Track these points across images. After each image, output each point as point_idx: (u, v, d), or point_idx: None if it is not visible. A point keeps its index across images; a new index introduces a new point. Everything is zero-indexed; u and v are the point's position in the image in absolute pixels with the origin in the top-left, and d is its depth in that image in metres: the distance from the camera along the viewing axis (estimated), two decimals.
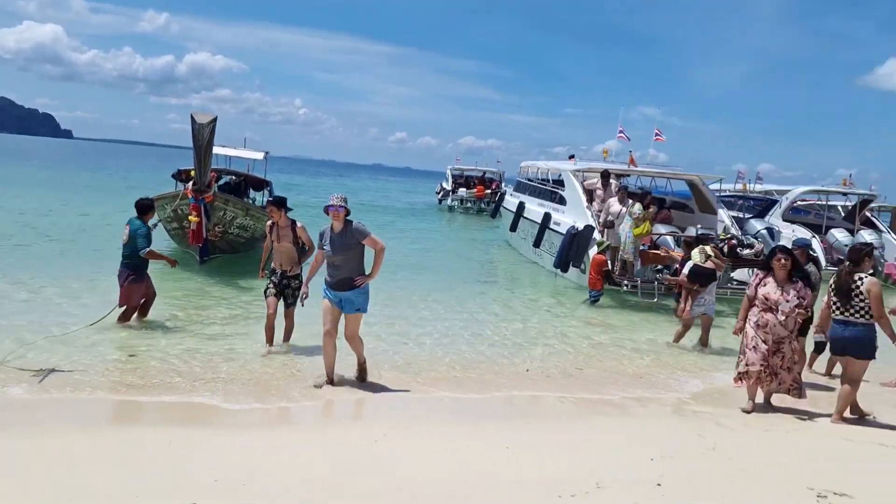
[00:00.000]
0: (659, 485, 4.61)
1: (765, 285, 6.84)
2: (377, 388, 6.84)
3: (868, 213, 21.95)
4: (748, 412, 6.77)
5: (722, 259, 10.96)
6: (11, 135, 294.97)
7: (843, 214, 24.07)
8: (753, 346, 6.82)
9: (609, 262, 13.37)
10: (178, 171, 15.94)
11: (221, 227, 12.92)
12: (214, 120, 11.30)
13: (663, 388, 7.82)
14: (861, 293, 6.40)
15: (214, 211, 12.51)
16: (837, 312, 6.54)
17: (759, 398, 7.06)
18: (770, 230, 19.62)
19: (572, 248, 14.23)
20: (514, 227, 19.86)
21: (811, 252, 8.01)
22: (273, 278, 7.86)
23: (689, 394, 7.62)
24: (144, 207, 8.50)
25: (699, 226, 15.71)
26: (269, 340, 7.83)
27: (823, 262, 19.66)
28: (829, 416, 6.70)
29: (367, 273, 6.66)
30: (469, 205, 38.11)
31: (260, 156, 17.97)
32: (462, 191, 38.95)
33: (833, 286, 6.63)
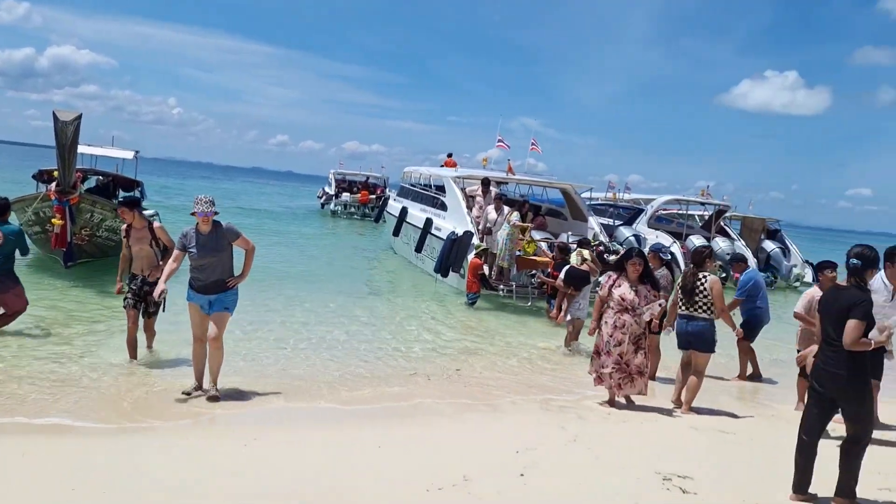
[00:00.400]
0: (522, 475, 4.88)
1: (619, 286, 7.13)
2: (250, 395, 6.71)
3: (721, 223, 23.89)
4: (609, 406, 7.20)
5: (597, 263, 11.57)
6: None
7: (700, 223, 26.06)
8: (608, 351, 7.07)
9: (487, 267, 13.84)
10: (40, 172, 15.02)
11: (89, 231, 12.26)
12: (79, 117, 10.72)
13: (534, 386, 8.15)
14: (704, 290, 7.04)
15: (80, 213, 11.86)
16: (683, 308, 7.16)
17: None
18: (637, 237, 20.95)
19: (452, 253, 14.54)
20: (397, 232, 20.02)
21: (662, 256, 8.65)
22: (132, 285, 7.41)
23: (557, 391, 8.02)
24: (1, 208, 7.97)
25: (570, 232, 16.53)
26: (132, 355, 7.38)
27: (682, 266, 21.31)
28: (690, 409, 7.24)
29: (236, 275, 6.52)
30: (353, 210, 37.86)
31: (129, 155, 17.13)
32: (346, 195, 38.68)
33: (679, 285, 7.27)
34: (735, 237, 23.10)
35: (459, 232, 14.80)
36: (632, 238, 20.59)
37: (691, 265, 7.41)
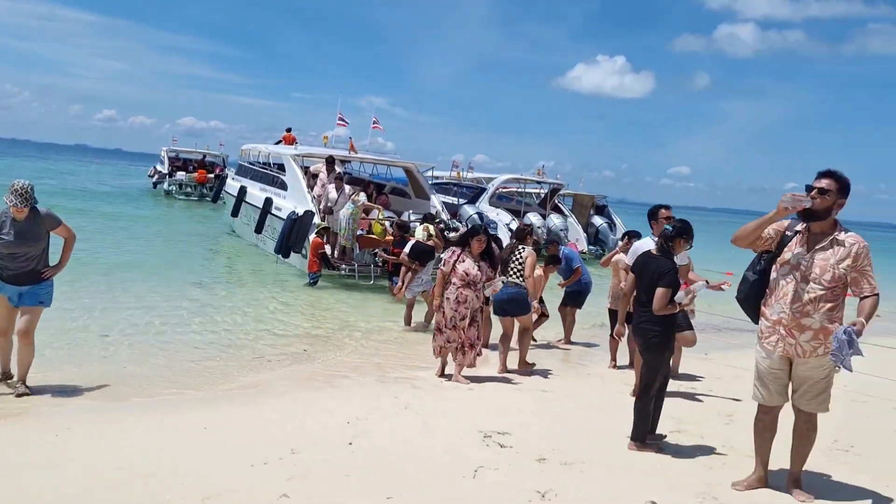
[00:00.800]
0: (350, 443, 5.01)
1: (463, 261, 7.37)
2: (69, 388, 6.26)
3: (556, 200, 25.37)
4: (440, 376, 7.49)
5: (441, 239, 11.90)
6: None
7: (537, 201, 27.50)
8: (453, 325, 7.27)
9: (329, 247, 13.81)
10: None
11: None
12: None
13: (373, 362, 8.26)
14: (521, 259, 7.74)
15: None
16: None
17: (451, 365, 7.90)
18: (480, 215, 21.73)
19: (293, 233, 14.35)
20: (235, 213, 19.40)
21: (491, 232, 9.24)
22: None
23: (395, 366, 8.21)
24: None
25: (411, 211, 16.85)
26: None
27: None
28: (516, 372, 7.76)
29: (52, 264, 6.03)
30: (189, 190, 35.65)
31: None
32: (180, 174, 36.22)
33: (499, 259, 7.83)
34: (568, 213, 24.62)
35: (300, 211, 14.62)
36: (475, 216, 21.33)
37: (513, 240, 8.12)
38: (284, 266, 14.84)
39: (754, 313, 4.44)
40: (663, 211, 6.81)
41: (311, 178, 16.35)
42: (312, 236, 13.59)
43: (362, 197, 14.08)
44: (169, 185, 36.09)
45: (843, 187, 4.09)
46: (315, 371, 7.72)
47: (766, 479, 4.49)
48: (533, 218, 23.55)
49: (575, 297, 9.84)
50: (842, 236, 4.08)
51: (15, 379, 6.05)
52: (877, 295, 4.03)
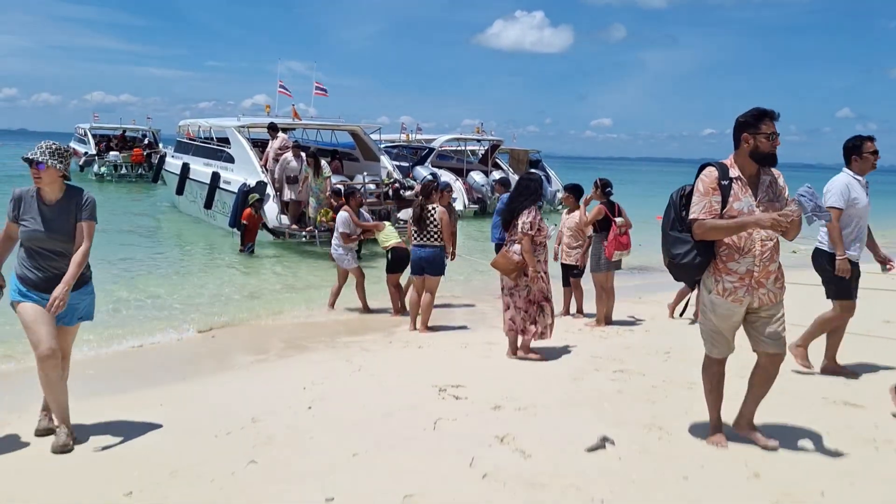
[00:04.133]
0: (310, 408, 5.11)
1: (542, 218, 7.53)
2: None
3: (495, 157, 25.86)
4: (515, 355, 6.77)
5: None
6: None
7: (476, 159, 27.92)
8: (544, 297, 6.67)
9: (293, 215, 14.31)
10: None
11: None
12: None
13: (325, 328, 8.40)
14: (434, 220, 7.84)
15: None
16: (416, 238, 7.91)
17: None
18: (434, 175, 22.00)
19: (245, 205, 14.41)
20: (180, 190, 18.94)
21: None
22: None
23: (344, 329, 8.34)
24: None
25: (366, 174, 16.95)
26: None
27: (467, 201, 23.00)
28: (461, 329, 8.10)
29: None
30: (124, 171, 32.91)
31: None
32: (113, 154, 33.43)
33: (412, 218, 8.02)
34: (506, 169, 25.13)
35: (252, 183, 14.64)
36: (429, 176, 21.55)
37: (420, 198, 8.21)
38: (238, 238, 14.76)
39: (697, 277, 4.19)
40: (869, 144, 5.63)
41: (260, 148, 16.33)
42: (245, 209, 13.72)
43: (327, 169, 14.21)
44: (100, 168, 32.99)
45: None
46: (257, 339, 7.89)
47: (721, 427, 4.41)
48: (476, 176, 24.00)
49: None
50: (768, 171, 4.06)
51: (56, 423, 4.41)
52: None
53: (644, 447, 4.32)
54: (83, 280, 4.36)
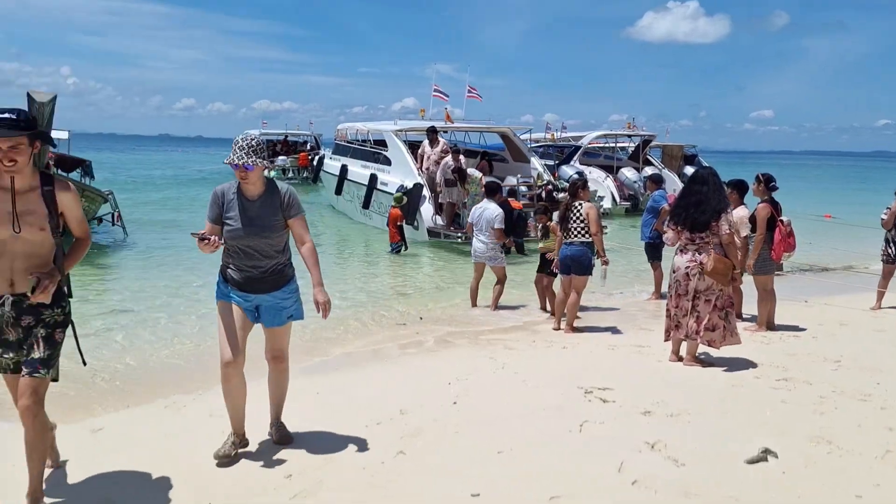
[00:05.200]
0: (455, 403, 5.18)
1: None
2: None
3: (647, 153, 25.08)
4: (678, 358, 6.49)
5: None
6: None
7: (627, 155, 27.19)
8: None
9: (448, 217, 14.69)
10: None
11: None
12: (55, 98, 10.31)
13: (471, 323, 8.54)
14: (581, 216, 7.63)
15: None
16: (564, 237, 7.77)
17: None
18: (580, 174, 21.73)
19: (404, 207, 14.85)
20: (339, 191, 19.87)
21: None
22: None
23: (489, 327, 8.37)
24: None
25: (519, 175, 16.97)
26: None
27: (618, 199, 22.48)
28: (609, 330, 7.87)
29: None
30: (291, 174, 35.04)
31: (65, 135, 17.00)
32: (281, 158, 35.73)
33: (559, 217, 7.89)
34: (659, 165, 24.27)
35: (408, 184, 15.03)
36: (575, 175, 21.31)
37: (567, 196, 8.09)
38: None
39: None
40: None
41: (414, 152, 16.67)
42: (390, 208, 14.20)
43: (477, 174, 14.36)
44: (269, 172, 36.14)
45: None
46: (409, 335, 7.99)
47: None
48: (628, 173, 23.36)
49: (650, 248, 9.84)
50: None
51: (271, 420, 4.51)
52: None
53: (810, 461, 3.99)
54: (286, 278, 4.19)
